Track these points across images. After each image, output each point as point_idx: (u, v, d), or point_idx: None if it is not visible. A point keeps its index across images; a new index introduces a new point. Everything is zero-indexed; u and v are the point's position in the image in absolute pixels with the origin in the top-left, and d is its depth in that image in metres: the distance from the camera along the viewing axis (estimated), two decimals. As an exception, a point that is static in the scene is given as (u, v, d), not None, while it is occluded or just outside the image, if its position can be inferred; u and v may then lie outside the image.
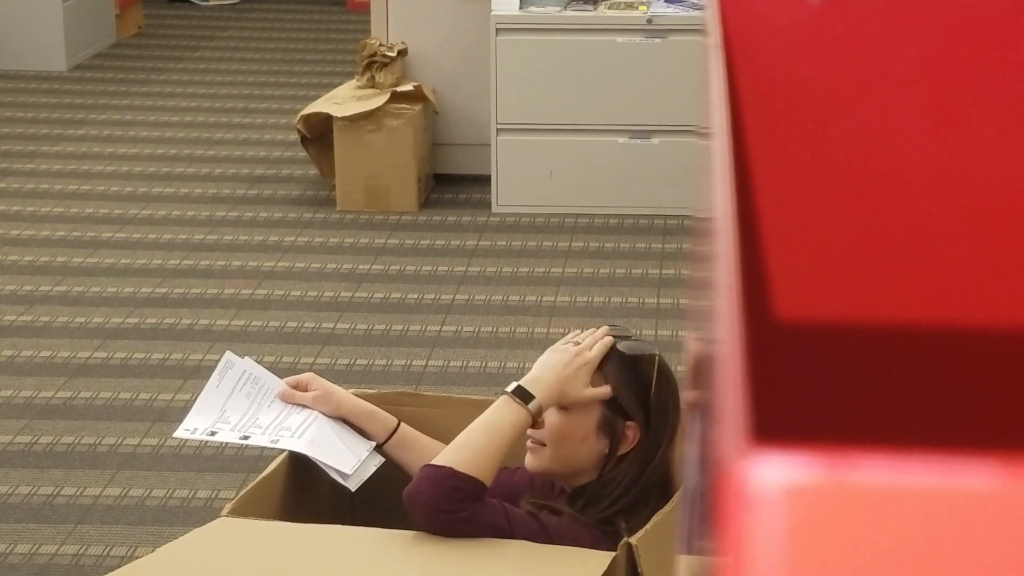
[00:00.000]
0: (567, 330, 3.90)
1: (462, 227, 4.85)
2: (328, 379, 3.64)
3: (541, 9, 4.86)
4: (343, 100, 5.08)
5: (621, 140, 4.88)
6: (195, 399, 3.47)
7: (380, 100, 4.97)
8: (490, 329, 4.02)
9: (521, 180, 4.95)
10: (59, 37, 6.71)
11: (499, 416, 1.89)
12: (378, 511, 2.10)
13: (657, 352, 2.01)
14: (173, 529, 2.93)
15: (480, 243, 4.70)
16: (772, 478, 0.36)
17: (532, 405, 1.89)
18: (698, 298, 0.64)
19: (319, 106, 5.08)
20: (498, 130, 4.92)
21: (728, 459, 0.37)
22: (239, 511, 1.91)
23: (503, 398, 1.91)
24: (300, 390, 2.20)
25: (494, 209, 4.96)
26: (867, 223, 0.52)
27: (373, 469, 2.12)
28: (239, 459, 3.29)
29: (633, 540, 1.77)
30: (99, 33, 7.07)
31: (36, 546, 2.95)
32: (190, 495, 3.15)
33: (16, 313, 4.11)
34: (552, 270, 4.46)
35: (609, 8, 4.87)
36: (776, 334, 0.43)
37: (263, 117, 6.15)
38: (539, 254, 4.59)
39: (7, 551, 2.93)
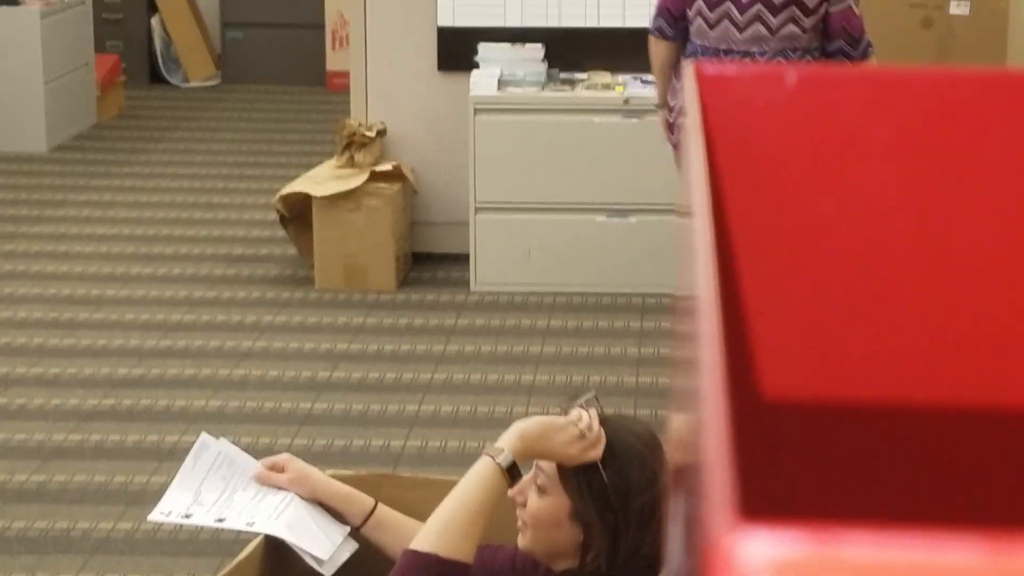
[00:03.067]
0: (546, 409, 3.92)
1: (440, 306, 4.85)
2: (306, 460, 3.61)
3: (519, 90, 4.91)
4: (322, 180, 5.10)
5: (599, 219, 4.90)
6: (170, 481, 3.45)
7: (359, 179, 4.99)
8: (468, 408, 4.01)
9: (499, 259, 4.96)
10: (40, 118, 6.72)
11: (473, 485, 1.87)
12: None
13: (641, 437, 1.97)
14: (148, 613, 2.89)
15: (459, 321, 4.70)
16: (759, 553, 0.36)
17: (501, 458, 1.87)
18: (681, 377, 0.64)
19: (298, 185, 5.09)
20: (477, 209, 4.94)
21: (715, 535, 0.37)
22: None
23: (491, 468, 1.89)
24: (276, 471, 2.18)
25: (472, 288, 4.97)
26: (849, 300, 0.52)
27: (348, 555, 2.10)
28: (214, 542, 3.25)
29: None
30: (80, 114, 7.09)
31: (8, 632, 2.90)
32: (166, 578, 3.11)
33: (-9, 394, 4.08)
34: (531, 348, 4.45)
35: (587, 89, 4.92)
36: (761, 412, 0.43)
37: (242, 197, 6.17)
38: (517, 332, 4.59)
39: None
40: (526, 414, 3.92)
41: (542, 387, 4.16)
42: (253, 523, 2.10)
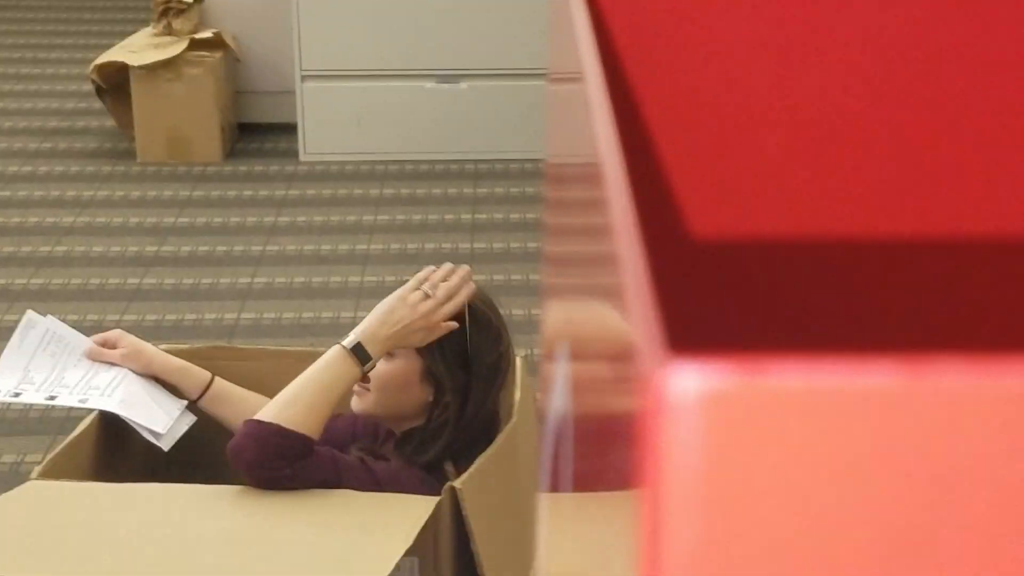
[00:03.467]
0: (382, 279, 3.89)
1: (269, 176, 4.75)
2: (137, 336, 3.53)
3: (343, -48, 4.77)
4: (139, 48, 4.91)
5: (429, 85, 4.83)
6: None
7: (178, 48, 4.81)
8: (303, 280, 3.95)
9: (328, 128, 4.86)
10: None
11: (331, 372, 1.84)
12: (196, 468, 2.04)
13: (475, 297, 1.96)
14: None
15: (289, 192, 4.61)
16: (690, 386, 0.35)
17: (346, 341, 1.87)
18: (568, 244, 0.62)
19: (114, 55, 4.89)
20: (303, 77, 4.83)
21: (645, 371, 0.35)
22: (49, 474, 1.83)
23: (337, 351, 1.86)
24: (108, 347, 2.11)
25: (302, 158, 4.87)
26: (760, 145, 0.50)
27: (186, 427, 2.06)
28: (45, 420, 3.16)
29: (457, 483, 1.75)
30: None
31: None
32: (-5, 461, 3.02)
33: None
34: (364, 218, 4.40)
35: (413, -49, 4.81)
36: (681, 251, 0.41)
37: (52, 67, 5.91)
38: (350, 202, 4.53)
39: None
40: (361, 283, 3.90)
41: (377, 256, 4.12)
42: (86, 400, 2.04)
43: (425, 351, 1.90)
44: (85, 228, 4.29)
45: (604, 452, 0.43)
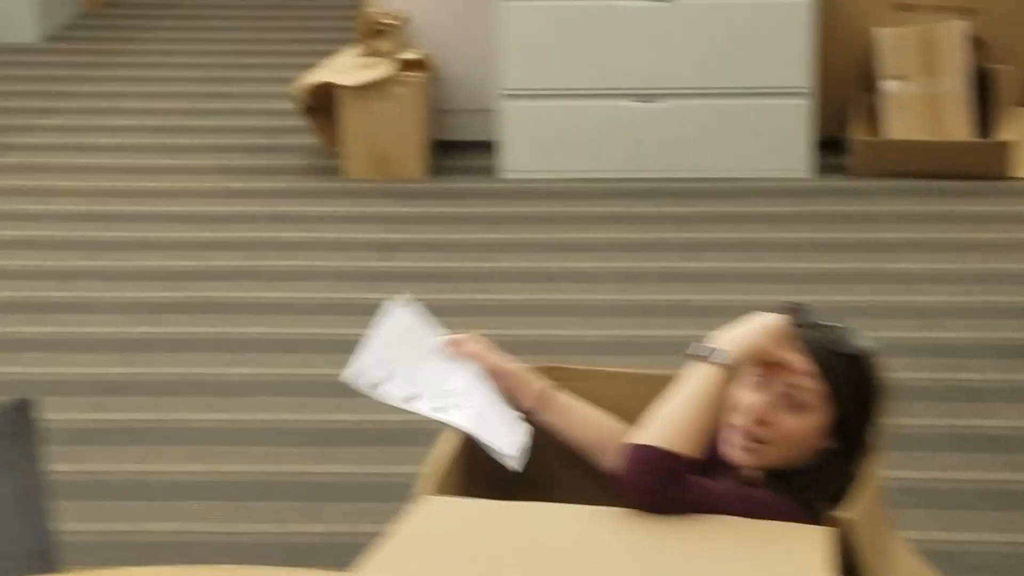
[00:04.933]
0: (609, 296, 3.99)
1: (474, 194, 4.87)
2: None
3: (550, -25, 4.89)
4: (347, 69, 5.07)
5: (625, 104, 4.93)
6: (257, 373, 3.48)
7: (389, 69, 4.97)
8: (533, 297, 4.06)
9: (528, 145, 4.98)
10: (27, 6, 6.57)
11: (694, 384, 1.86)
12: (535, 486, 2.07)
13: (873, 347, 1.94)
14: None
15: (498, 209, 4.73)
16: None
17: (717, 356, 1.85)
18: None
19: (323, 75, 5.06)
20: (504, 96, 4.95)
21: None
22: (436, 489, 1.88)
23: (696, 365, 1.87)
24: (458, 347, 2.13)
25: (502, 175, 4.99)
26: None
27: (529, 441, 2.08)
28: (318, 432, 3.30)
29: (853, 515, 1.74)
30: (65, 1, 6.93)
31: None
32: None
33: (52, 289, 4.08)
34: (576, 235, 4.50)
35: (617, -26, 4.91)
36: None
37: (249, 86, 6.10)
38: (560, 219, 4.63)
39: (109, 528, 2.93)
40: (590, 301, 4.00)
41: (596, 273, 4.21)
42: (444, 407, 2.05)
43: (842, 401, 1.90)
44: (310, 243, 4.45)
45: None
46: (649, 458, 1.82)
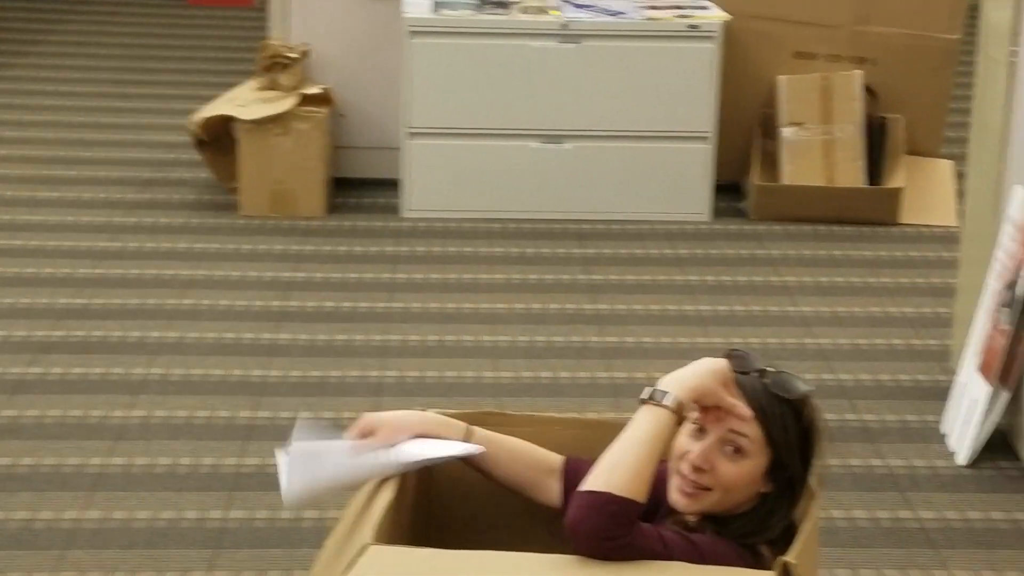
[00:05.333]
0: (514, 338, 3.92)
1: (375, 232, 4.78)
2: (280, 392, 3.56)
3: (455, 12, 4.83)
4: (245, 102, 4.94)
5: (533, 145, 4.89)
6: (150, 417, 3.33)
7: (289, 103, 4.85)
8: (436, 338, 3.97)
9: (431, 185, 4.91)
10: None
11: (642, 427, 1.84)
12: (494, 528, 2.04)
13: (809, 389, 1.93)
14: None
15: (399, 249, 4.64)
16: None
17: (668, 400, 1.84)
18: None
19: (220, 108, 4.93)
20: (409, 134, 4.87)
21: None
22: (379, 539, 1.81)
23: (641, 408, 1.86)
24: (365, 436, 2.04)
25: (404, 214, 4.91)
26: None
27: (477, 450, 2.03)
28: (217, 477, 3.16)
29: (791, 558, 1.74)
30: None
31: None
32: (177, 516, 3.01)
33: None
34: (481, 276, 4.43)
35: (522, 12, 4.88)
36: None
37: (131, 117, 5.93)
38: (463, 259, 4.56)
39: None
40: (495, 343, 3.92)
41: (504, 315, 4.14)
42: (386, 469, 2.00)
43: (778, 446, 1.90)
44: (205, 281, 4.31)
45: None
46: (601, 504, 1.80)
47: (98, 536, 2.91)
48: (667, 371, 1.92)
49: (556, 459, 2.07)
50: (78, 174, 5.21)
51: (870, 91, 5.11)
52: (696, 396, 1.88)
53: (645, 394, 1.88)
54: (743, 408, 1.90)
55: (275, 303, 4.17)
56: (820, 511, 1.96)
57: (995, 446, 3.34)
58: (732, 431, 1.90)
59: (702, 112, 4.86)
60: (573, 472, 2.02)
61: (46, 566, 2.79)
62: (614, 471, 1.82)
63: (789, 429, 1.92)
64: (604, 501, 1.80)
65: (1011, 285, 3.34)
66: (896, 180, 5.05)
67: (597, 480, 1.82)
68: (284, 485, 2.00)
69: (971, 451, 3.33)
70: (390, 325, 4.04)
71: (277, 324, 4.02)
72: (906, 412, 3.57)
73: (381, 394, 3.60)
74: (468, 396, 3.57)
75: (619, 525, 1.79)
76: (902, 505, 3.13)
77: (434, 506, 2.13)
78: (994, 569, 2.91)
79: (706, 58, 4.83)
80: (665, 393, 1.86)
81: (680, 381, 1.88)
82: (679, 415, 1.87)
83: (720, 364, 1.91)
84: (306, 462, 2.03)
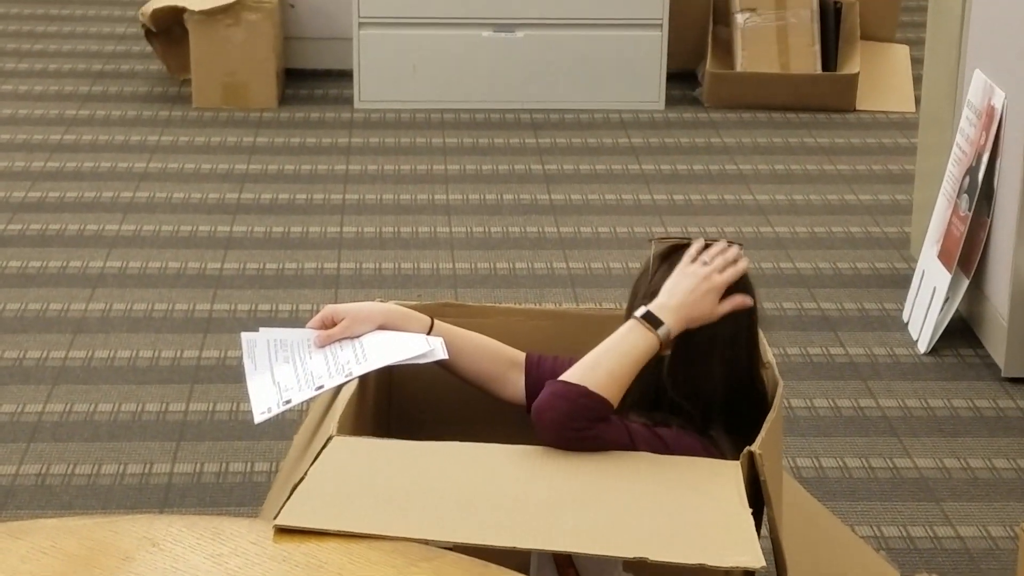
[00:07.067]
0: (469, 229, 3.95)
1: (327, 124, 4.78)
2: (237, 284, 3.58)
3: (406, -100, 4.78)
4: (195, -8, 4.89)
5: (485, 34, 4.88)
6: (109, 309, 3.36)
7: (239, -7, 4.81)
8: (391, 229, 4.00)
9: (383, 75, 4.90)
10: None
11: (630, 341, 1.89)
12: (416, 423, 2.05)
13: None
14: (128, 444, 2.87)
15: (352, 140, 4.64)
16: None
17: (661, 331, 1.90)
18: None
19: (169, -1, 4.88)
20: (360, 24, 4.85)
21: None
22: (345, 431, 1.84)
23: (632, 322, 1.91)
24: (328, 327, 2.09)
25: (356, 105, 4.90)
26: None
27: (441, 347, 2.04)
28: (176, 370, 3.20)
29: (756, 448, 1.78)
30: None
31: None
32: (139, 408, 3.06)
33: None
34: (434, 167, 4.45)
35: (474, -100, 4.83)
36: None
37: (82, 8, 5.85)
38: (416, 150, 4.57)
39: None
40: (450, 234, 3.96)
41: (458, 206, 4.17)
42: (350, 373, 2.01)
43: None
44: (159, 174, 4.31)
45: None
46: (574, 395, 1.83)
47: (61, 429, 2.95)
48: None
49: (518, 354, 2.09)
50: (29, 67, 5.16)
51: (824, -24, 5.11)
52: (689, 324, 1.93)
53: (639, 312, 1.91)
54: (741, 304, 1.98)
55: (230, 195, 4.18)
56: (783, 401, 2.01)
57: (955, 333, 3.36)
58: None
59: (654, -1, 4.86)
60: (536, 366, 2.07)
61: (12, 459, 2.83)
62: (593, 370, 1.86)
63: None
64: (577, 393, 1.83)
65: (970, 171, 3.35)
66: (852, 66, 5.07)
67: (573, 374, 1.86)
68: (247, 367, 2.04)
69: (931, 338, 3.35)
70: (345, 216, 4.07)
71: (232, 216, 4.03)
72: (865, 300, 3.59)
73: (338, 286, 3.64)
74: (426, 287, 3.62)
75: (586, 418, 1.82)
76: (863, 393, 3.15)
77: (395, 400, 2.17)
78: (956, 456, 2.93)
79: (658, -55, 4.82)
80: (661, 324, 1.90)
81: (677, 311, 1.92)
82: (667, 344, 1.92)
83: (714, 284, 1.94)
84: (268, 344, 2.07)
